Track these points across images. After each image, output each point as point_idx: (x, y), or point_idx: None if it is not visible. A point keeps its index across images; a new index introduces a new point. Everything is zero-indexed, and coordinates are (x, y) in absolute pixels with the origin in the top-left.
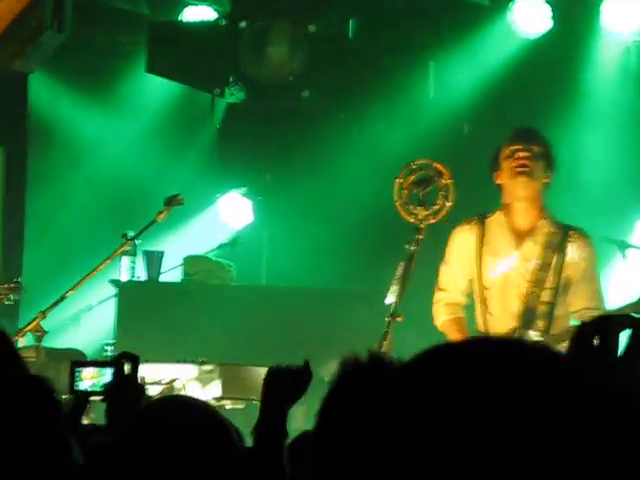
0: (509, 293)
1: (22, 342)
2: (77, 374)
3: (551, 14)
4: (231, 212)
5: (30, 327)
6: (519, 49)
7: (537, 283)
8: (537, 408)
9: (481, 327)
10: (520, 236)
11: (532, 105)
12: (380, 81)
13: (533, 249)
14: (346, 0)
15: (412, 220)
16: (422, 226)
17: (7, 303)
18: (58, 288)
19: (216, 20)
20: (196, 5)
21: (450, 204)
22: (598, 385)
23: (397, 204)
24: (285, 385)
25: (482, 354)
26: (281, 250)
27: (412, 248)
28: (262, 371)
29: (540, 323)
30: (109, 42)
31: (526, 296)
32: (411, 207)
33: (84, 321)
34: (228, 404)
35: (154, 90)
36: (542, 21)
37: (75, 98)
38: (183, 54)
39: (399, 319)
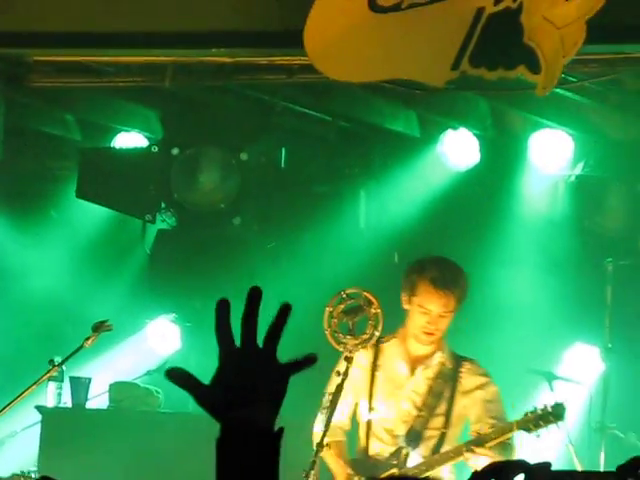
0: (397, 418)
1: None
2: None
3: (479, 147)
4: (159, 338)
5: None
6: (449, 180)
7: (426, 409)
8: None
9: (363, 449)
10: (414, 363)
11: (462, 236)
12: (311, 209)
13: (425, 378)
14: (278, 129)
15: (341, 349)
16: (351, 355)
17: None
18: None
19: (148, 147)
20: (128, 132)
21: (379, 333)
22: None
23: (327, 332)
24: None
25: None
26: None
27: (341, 377)
28: None
29: (429, 448)
30: (39, 167)
31: (414, 419)
32: (340, 336)
33: (8, 448)
34: None
35: (84, 215)
36: (470, 154)
37: (3, 223)
38: (114, 180)
39: (327, 448)
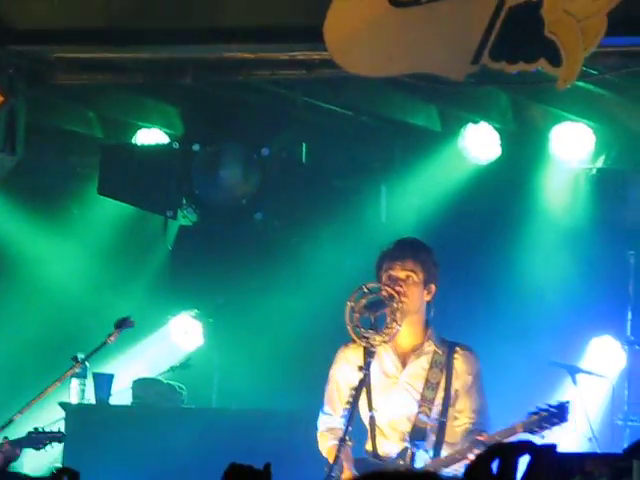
0: (398, 413)
1: None
2: None
3: (500, 141)
4: (182, 334)
5: None
6: (470, 174)
7: (426, 402)
8: None
9: (370, 448)
10: (405, 356)
11: (484, 230)
12: (332, 204)
13: (419, 369)
14: (298, 124)
15: (364, 344)
16: (374, 350)
17: None
18: (7, 410)
19: (169, 143)
20: (149, 128)
21: (401, 327)
22: None
23: (349, 327)
24: None
25: None
26: (232, 372)
27: (363, 372)
28: None
29: (431, 441)
30: (61, 164)
31: (416, 415)
32: (363, 330)
33: None
34: None
35: (106, 212)
36: (492, 148)
37: (26, 219)
38: (136, 176)
39: (350, 443)
